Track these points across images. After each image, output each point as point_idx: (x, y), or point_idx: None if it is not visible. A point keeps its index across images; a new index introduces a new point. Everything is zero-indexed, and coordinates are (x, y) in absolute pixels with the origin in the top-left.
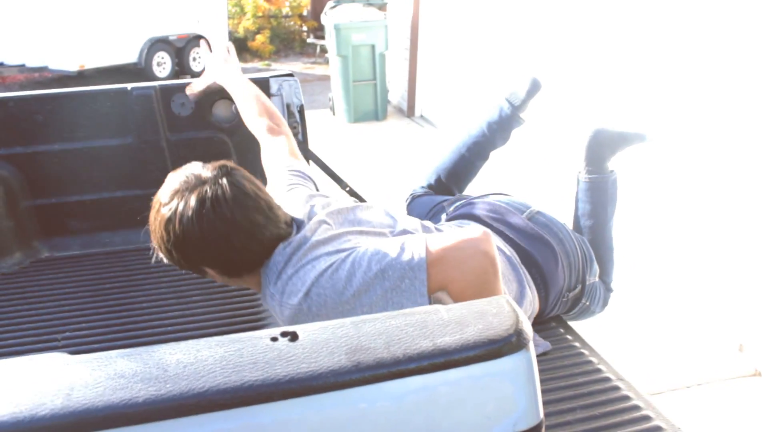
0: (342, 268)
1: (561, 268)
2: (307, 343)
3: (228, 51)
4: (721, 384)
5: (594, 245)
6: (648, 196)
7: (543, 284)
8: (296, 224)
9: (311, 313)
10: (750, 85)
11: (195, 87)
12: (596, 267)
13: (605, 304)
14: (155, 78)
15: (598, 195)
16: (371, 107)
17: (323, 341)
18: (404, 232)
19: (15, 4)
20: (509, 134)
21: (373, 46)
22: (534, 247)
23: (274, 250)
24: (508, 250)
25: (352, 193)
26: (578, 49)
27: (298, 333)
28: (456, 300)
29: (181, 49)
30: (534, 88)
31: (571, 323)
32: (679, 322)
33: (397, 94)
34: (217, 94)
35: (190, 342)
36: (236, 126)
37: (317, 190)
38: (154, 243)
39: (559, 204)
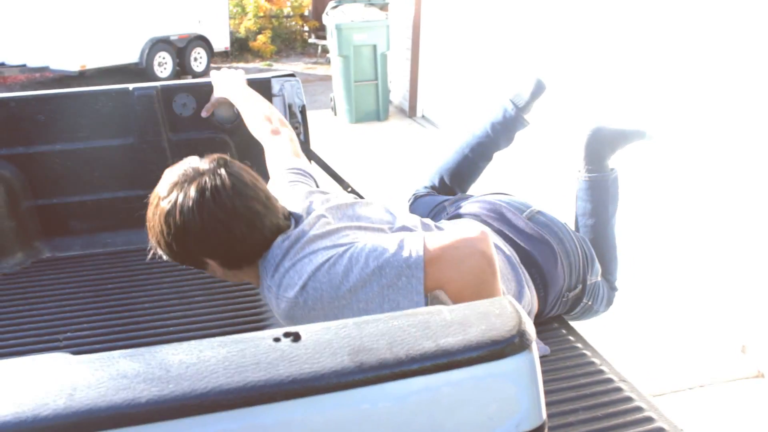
0: (339, 263)
1: (561, 268)
2: (309, 343)
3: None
4: (723, 385)
5: (596, 244)
6: (650, 198)
7: (542, 284)
8: (294, 218)
9: (307, 306)
10: (752, 82)
11: (207, 107)
12: (598, 266)
13: (610, 303)
14: (156, 78)
15: (599, 194)
16: (373, 107)
17: (326, 342)
18: (403, 228)
19: (16, 4)
20: (513, 136)
21: (374, 46)
22: (534, 246)
23: (273, 241)
24: (508, 249)
25: (354, 194)
26: (578, 48)
27: (301, 333)
28: (454, 299)
29: (182, 49)
30: (538, 89)
31: (573, 324)
32: (682, 323)
33: (398, 95)
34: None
35: (193, 342)
36: (237, 126)
37: (318, 187)
38: (153, 239)
39: (560, 203)
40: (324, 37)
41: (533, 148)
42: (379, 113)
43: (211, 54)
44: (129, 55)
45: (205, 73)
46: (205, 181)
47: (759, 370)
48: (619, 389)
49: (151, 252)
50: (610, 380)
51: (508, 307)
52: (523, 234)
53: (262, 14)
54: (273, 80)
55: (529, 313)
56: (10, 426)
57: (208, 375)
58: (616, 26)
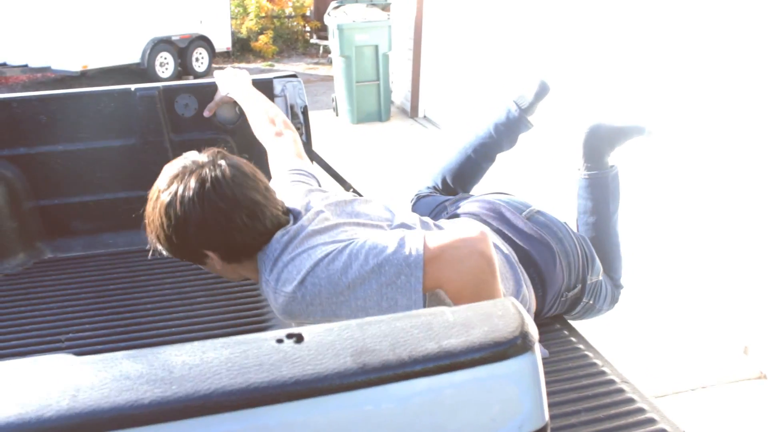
0: (338, 259)
1: (559, 268)
2: (312, 344)
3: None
4: (725, 387)
5: (599, 242)
6: (652, 199)
7: (540, 284)
8: (293, 215)
9: (305, 301)
10: (753, 78)
11: (211, 106)
12: (598, 266)
13: (614, 301)
14: (158, 78)
15: (599, 191)
16: (374, 108)
17: (329, 343)
18: (402, 225)
19: (18, 4)
20: (516, 137)
21: (376, 47)
22: (532, 246)
23: (273, 234)
24: (506, 248)
25: (355, 194)
26: (580, 48)
27: (304, 335)
28: (453, 299)
29: (183, 50)
30: (542, 91)
31: (575, 325)
32: (684, 324)
33: (400, 95)
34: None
35: (196, 343)
36: (239, 127)
37: (320, 186)
38: (152, 234)
39: (561, 202)
40: (326, 38)
41: (534, 147)
42: (381, 114)
43: (213, 54)
44: (130, 55)
45: (206, 73)
46: (206, 172)
47: (761, 372)
48: (621, 390)
49: (150, 250)
50: (612, 381)
51: (511, 309)
52: (522, 233)
53: (263, 14)
54: (275, 81)
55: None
56: (14, 427)
57: (211, 376)
58: (617, 26)
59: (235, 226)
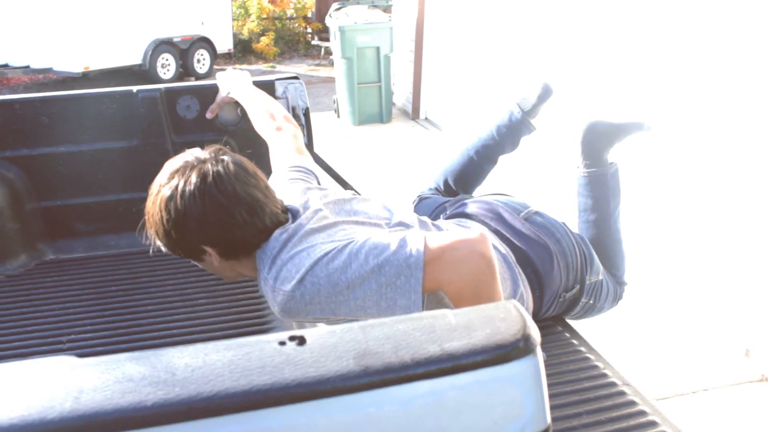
0: (338, 259)
1: (557, 269)
2: (315, 347)
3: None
4: (727, 389)
5: (600, 239)
6: (653, 200)
7: (538, 284)
8: (292, 213)
9: (304, 300)
10: (754, 74)
11: (212, 107)
12: (598, 266)
13: (617, 298)
14: (159, 80)
15: (599, 188)
16: (376, 109)
17: (331, 345)
18: (400, 224)
19: (20, 5)
20: (518, 140)
21: (377, 48)
22: (530, 246)
23: (271, 232)
24: (504, 248)
25: (355, 193)
26: (579, 47)
27: (306, 337)
28: (453, 300)
29: (185, 51)
30: (545, 93)
31: (576, 327)
32: (685, 326)
33: (401, 97)
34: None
35: (198, 345)
36: (241, 129)
37: (319, 184)
38: (151, 230)
39: (562, 200)
40: (327, 39)
41: (534, 147)
42: (382, 115)
43: (214, 56)
44: (132, 56)
45: (208, 74)
46: (208, 168)
47: (763, 374)
48: (622, 393)
49: (151, 248)
50: (613, 384)
51: (513, 311)
52: (520, 234)
53: (265, 16)
54: (277, 82)
55: None
56: (17, 428)
57: (213, 378)
58: (616, 24)
59: (235, 222)
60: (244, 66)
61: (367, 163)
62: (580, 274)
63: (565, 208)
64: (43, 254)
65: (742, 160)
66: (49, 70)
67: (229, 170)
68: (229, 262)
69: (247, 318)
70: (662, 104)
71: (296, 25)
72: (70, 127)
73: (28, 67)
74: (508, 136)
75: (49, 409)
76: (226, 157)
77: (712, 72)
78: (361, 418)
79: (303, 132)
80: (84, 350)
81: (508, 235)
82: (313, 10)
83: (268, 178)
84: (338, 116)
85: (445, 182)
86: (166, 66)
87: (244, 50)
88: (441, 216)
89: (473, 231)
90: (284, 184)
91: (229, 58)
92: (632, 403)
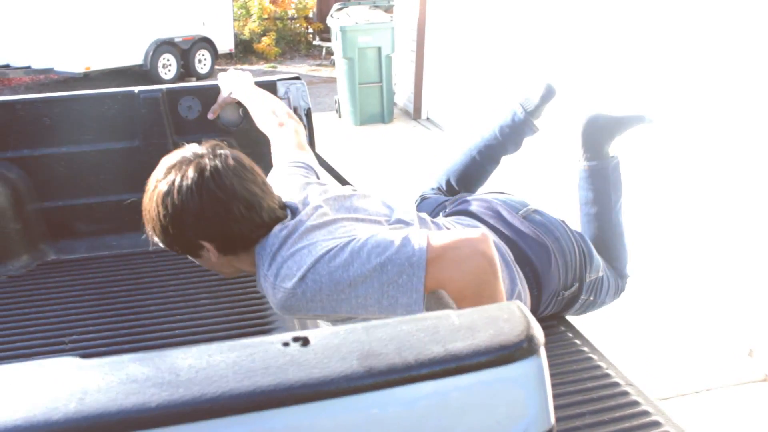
0: (340, 256)
1: (555, 267)
2: (318, 348)
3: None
4: (730, 389)
5: (601, 233)
6: (656, 198)
7: (536, 283)
8: (291, 209)
9: (305, 298)
10: (757, 68)
11: (214, 108)
12: (597, 263)
13: (619, 291)
14: (160, 80)
15: (600, 182)
16: (377, 110)
17: (335, 346)
18: (399, 221)
19: (21, 6)
20: (521, 141)
21: (379, 49)
22: (528, 245)
23: (270, 227)
24: (502, 246)
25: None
26: (581, 46)
27: (310, 338)
28: (455, 299)
29: (186, 51)
30: (548, 94)
31: (579, 327)
32: (688, 326)
33: (403, 97)
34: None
35: (202, 346)
36: (243, 129)
37: (319, 179)
38: (148, 226)
39: (561, 197)
40: (328, 39)
41: (535, 145)
42: (384, 115)
43: (216, 56)
44: (133, 56)
45: (209, 75)
46: (205, 162)
47: (766, 374)
48: (625, 393)
49: (150, 243)
50: (616, 384)
51: (517, 312)
52: (518, 232)
53: (266, 16)
54: (278, 83)
55: None
56: (22, 430)
57: (217, 379)
58: (619, 22)
59: (233, 216)
60: (245, 66)
61: (369, 163)
62: (579, 273)
63: (564, 205)
64: (45, 255)
65: (745, 157)
66: (50, 71)
67: (226, 165)
68: (227, 257)
69: (250, 318)
70: (663, 97)
71: (297, 25)
72: (72, 127)
73: (29, 67)
74: (511, 136)
75: (54, 410)
76: (223, 152)
77: (713, 65)
78: (365, 419)
79: (305, 133)
80: (86, 351)
81: (506, 233)
82: (315, 10)
83: (268, 177)
84: (340, 116)
85: (448, 182)
86: (167, 66)
87: (245, 50)
88: (440, 213)
89: (475, 230)
90: (283, 179)
91: (230, 58)
92: (635, 404)
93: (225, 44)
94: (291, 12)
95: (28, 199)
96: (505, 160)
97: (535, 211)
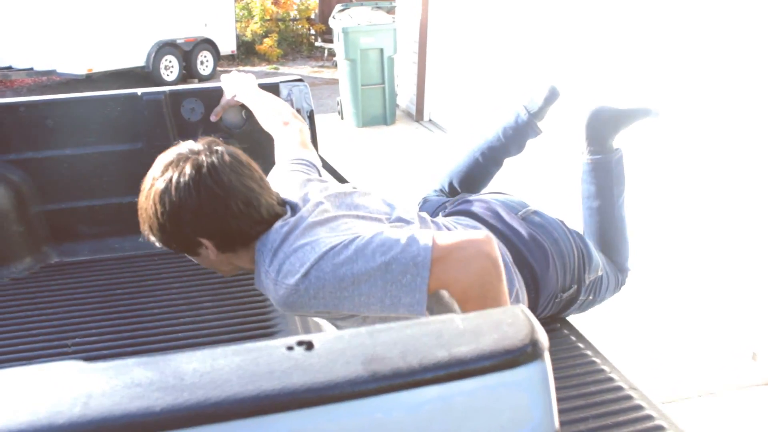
0: (344, 253)
1: (553, 270)
2: (322, 352)
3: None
4: (734, 393)
5: (603, 226)
6: (660, 201)
7: (534, 285)
8: (291, 206)
9: (308, 294)
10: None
11: (217, 110)
12: (597, 263)
13: (619, 285)
14: (162, 81)
15: (603, 175)
16: (380, 111)
17: (339, 350)
18: (400, 219)
19: (24, 8)
20: (524, 142)
21: (381, 50)
22: (527, 247)
23: (269, 223)
24: (501, 248)
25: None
26: (584, 44)
27: (314, 342)
28: (459, 300)
29: (188, 53)
30: (552, 96)
31: (582, 330)
32: (692, 330)
33: (405, 98)
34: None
35: (206, 351)
36: (246, 131)
37: (320, 176)
38: (145, 225)
39: (561, 195)
40: (330, 41)
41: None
42: (386, 117)
43: (218, 57)
44: (136, 58)
45: (211, 76)
46: (202, 159)
47: None
48: (629, 397)
49: (143, 236)
50: (620, 388)
51: (521, 316)
52: (517, 233)
53: (268, 17)
54: (281, 85)
55: None
56: None
57: (222, 384)
58: (623, 21)
59: (231, 212)
60: (247, 68)
61: (371, 165)
62: (578, 274)
63: (563, 204)
64: (48, 257)
65: (748, 158)
66: (52, 72)
67: (223, 161)
68: (225, 254)
69: (252, 321)
70: (669, 94)
71: (299, 26)
72: (75, 129)
73: (31, 69)
74: (514, 138)
75: (58, 414)
76: (220, 149)
77: (718, 61)
78: (369, 423)
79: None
80: (89, 353)
81: (505, 234)
82: (317, 11)
83: (270, 174)
84: (342, 118)
85: (450, 184)
86: (169, 68)
87: (247, 52)
88: (440, 213)
89: (479, 231)
90: (285, 176)
91: (232, 59)
92: (639, 408)
93: (227, 46)
94: (293, 13)
95: (31, 201)
96: (506, 160)
97: (535, 212)
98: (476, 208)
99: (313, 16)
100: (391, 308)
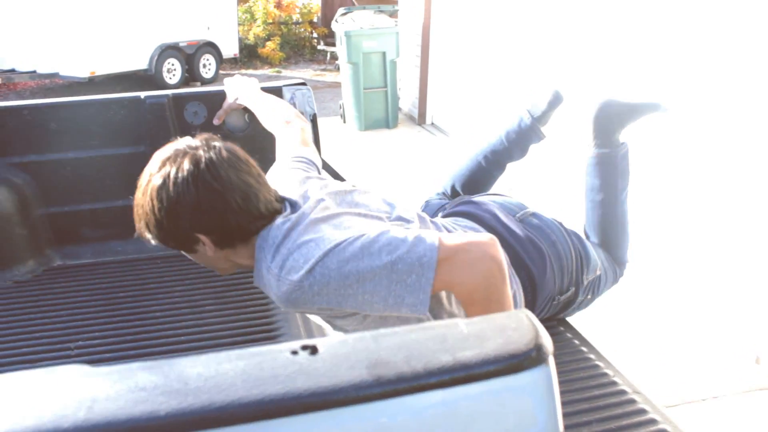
0: (350, 250)
1: (550, 273)
2: (327, 356)
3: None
4: (737, 397)
5: (605, 220)
6: (665, 204)
7: (531, 288)
8: (290, 203)
9: (312, 291)
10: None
11: (220, 114)
12: (595, 262)
13: (617, 278)
14: (165, 85)
15: (608, 169)
16: (382, 115)
17: (343, 355)
18: (400, 218)
19: (26, 11)
20: (527, 147)
21: (383, 54)
22: (524, 248)
23: (268, 219)
24: None
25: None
26: (587, 49)
27: (318, 346)
28: (463, 302)
29: (191, 56)
30: (556, 100)
31: (585, 335)
32: (696, 333)
33: (408, 102)
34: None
35: (211, 355)
36: (249, 135)
37: (319, 173)
38: (141, 222)
39: (562, 196)
40: (333, 44)
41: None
42: (389, 120)
43: (220, 60)
44: (138, 61)
45: (214, 79)
46: (200, 154)
47: None
48: (632, 401)
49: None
50: (623, 392)
51: (525, 321)
52: (514, 235)
53: (271, 21)
54: (284, 89)
55: None
56: None
57: (226, 388)
58: (627, 29)
59: (230, 208)
60: (250, 71)
61: (373, 168)
62: (576, 276)
63: (564, 203)
64: (51, 260)
65: (754, 160)
66: (55, 75)
67: (221, 156)
68: (223, 251)
69: (256, 324)
70: (673, 93)
71: (302, 29)
72: (78, 133)
73: (34, 72)
74: (517, 142)
75: (63, 418)
76: (217, 144)
77: (720, 61)
78: (373, 427)
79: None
80: (92, 356)
81: (503, 236)
82: (319, 14)
83: (270, 170)
84: (344, 121)
85: (453, 187)
86: (172, 71)
87: (249, 55)
88: (439, 214)
89: (484, 234)
90: (284, 173)
91: (234, 62)
92: (643, 411)
93: (230, 49)
94: (296, 17)
95: (35, 204)
96: (509, 165)
97: (533, 215)
98: (474, 209)
99: (315, 20)
100: (394, 307)
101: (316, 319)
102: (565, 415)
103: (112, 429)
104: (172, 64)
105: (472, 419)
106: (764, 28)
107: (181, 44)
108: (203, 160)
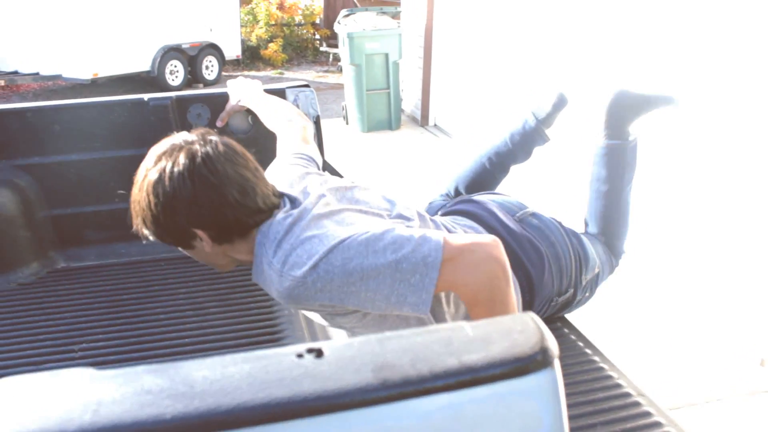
0: (355, 248)
1: (548, 274)
2: (332, 359)
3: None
4: (741, 399)
5: (608, 210)
6: (670, 205)
7: (528, 288)
8: (290, 198)
9: (315, 288)
10: None
11: (223, 116)
12: (594, 261)
13: (613, 268)
14: (168, 86)
15: (616, 161)
16: (385, 116)
17: (349, 358)
18: (400, 216)
19: (29, 13)
20: (531, 149)
21: (386, 55)
22: (522, 248)
23: (267, 214)
24: None
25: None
26: (591, 50)
27: (324, 350)
28: (467, 303)
29: (193, 58)
30: (560, 102)
31: (590, 337)
32: (700, 336)
33: (410, 103)
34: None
35: (216, 358)
36: (252, 137)
37: (318, 170)
38: (138, 218)
39: (561, 196)
40: (335, 46)
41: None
42: (391, 122)
43: (223, 62)
44: (141, 63)
45: (216, 81)
46: (196, 148)
47: None
48: (637, 404)
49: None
50: (628, 395)
51: (531, 324)
52: (513, 234)
53: (273, 22)
54: (287, 90)
55: None
56: None
57: (232, 391)
58: (630, 30)
59: (227, 202)
60: (252, 72)
61: (376, 170)
62: (575, 278)
63: (563, 203)
64: (55, 262)
65: (762, 162)
66: (58, 77)
67: (218, 150)
68: (221, 247)
69: (259, 327)
70: (683, 88)
71: (304, 31)
72: (82, 135)
73: (37, 74)
74: (521, 144)
75: (68, 421)
76: (214, 138)
77: (723, 61)
78: (379, 431)
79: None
80: (96, 359)
81: (501, 235)
82: (322, 16)
83: (270, 166)
84: (347, 123)
85: (456, 189)
86: (175, 73)
87: (252, 57)
88: (439, 213)
89: (487, 235)
90: (283, 168)
91: (237, 64)
92: (647, 414)
93: (232, 50)
94: (298, 18)
95: (38, 206)
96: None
97: (532, 214)
98: (474, 207)
99: (318, 21)
100: (396, 306)
101: (319, 320)
102: (570, 418)
103: None
104: (175, 66)
105: (477, 422)
106: (757, 32)
107: (183, 46)
108: (199, 154)
